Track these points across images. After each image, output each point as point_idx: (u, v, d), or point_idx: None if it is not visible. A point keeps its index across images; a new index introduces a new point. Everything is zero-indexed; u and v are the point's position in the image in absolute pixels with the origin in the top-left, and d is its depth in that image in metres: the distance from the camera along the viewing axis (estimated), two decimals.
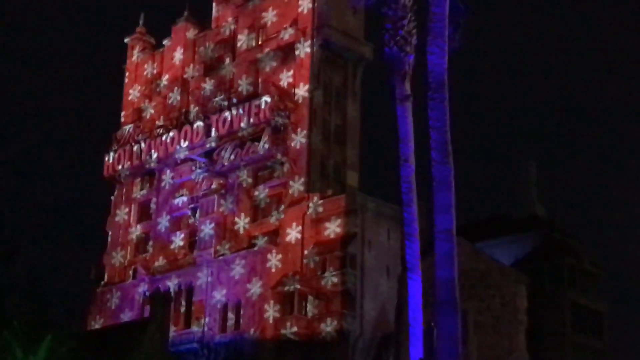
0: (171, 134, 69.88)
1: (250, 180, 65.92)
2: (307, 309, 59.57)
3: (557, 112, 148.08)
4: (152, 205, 71.53)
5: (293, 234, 61.76)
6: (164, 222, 69.71)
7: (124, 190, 73.80)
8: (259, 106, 64.85)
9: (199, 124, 68.32)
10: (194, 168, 69.00)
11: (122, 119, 76.28)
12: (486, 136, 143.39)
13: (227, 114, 66.76)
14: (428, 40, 20.85)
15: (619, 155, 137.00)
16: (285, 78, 66.20)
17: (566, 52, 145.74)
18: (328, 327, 58.21)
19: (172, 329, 62.40)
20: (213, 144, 67.25)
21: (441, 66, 20.53)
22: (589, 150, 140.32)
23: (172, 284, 65.97)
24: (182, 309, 64.94)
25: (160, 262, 68.33)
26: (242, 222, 65.19)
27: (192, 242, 67.38)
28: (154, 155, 70.71)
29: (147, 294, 67.13)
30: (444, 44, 20.73)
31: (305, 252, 60.89)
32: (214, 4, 73.66)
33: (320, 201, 61.88)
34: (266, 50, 67.62)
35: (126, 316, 67.25)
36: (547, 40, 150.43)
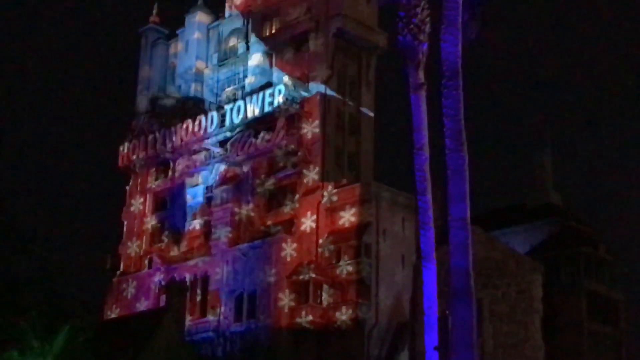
0: (186, 123, 69.93)
1: (264, 169, 65.94)
2: (322, 298, 59.63)
3: (573, 100, 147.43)
4: (167, 195, 71.67)
5: (308, 223, 61.78)
6: (179, 211, 69.82)
7: (139, 180, 73.95)
8: (272, 95, 64.82)
9: (213, 113, 68.37)
10: (208, 158, 69.07)
11: (137, 109, 76.38)
12: (502, 125, 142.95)
13: (241, 103, 66.76)
14: (442, 29, 20.73)
15: (635, 143, 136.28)
16: (299, 67, 66.12)
17: (582, 39, 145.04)
18: (343, 316, 58.24)
19: (188, 318, 62.62)
20: (227, 134, 67.31)
21: (455, 54, 20.41)
22: (605, 138, 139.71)
23: (187, 273, 66.14)
24: (198, 299, 65.10)
25: (176, 251, 68.47)
26: (256, 212, 65.24)
27: (207, 231, 67.46)
28: (169, 145, 70.79)
29: (163, 283, 67.36)
30: (458, 32, 20.61)
31: (320, 241, 60.91)
32: None
33: (335, 190, 61.85)
34: (280, 39, 67.54)
35: (142, 306, 67.48)
36: (563, 27, 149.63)
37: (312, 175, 62.92)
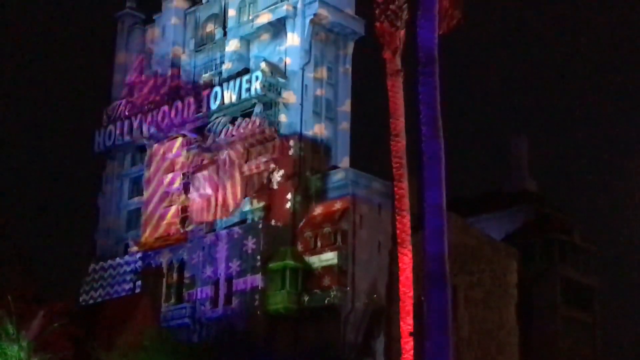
0: (162, 109, 69.68)
1: (241, 155, 65.87)
2: (299, 283, 59.70)
3: (549, 87, 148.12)
4: (144, 181, 71.44)
5: (284, 209, 61.79)
6: (155, 198, 69.62)
7: (115, 165, 73.68)
8: (250, 81, 64.70)
9: (190, 99, 68.15)
10: (185, 143, 68.88)
11: (113, 95, 76.00)
12: (478, 111, 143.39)
13: (218, 89, 66.60)
14: (418, 15, 20.77)
15: (610, 129, 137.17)
16: (276, 53, 66.00)
17: (559, 26, 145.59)
18: (319, 302, 58.36)
19: (164, 304, 62.53)
20: (204, 120, 67.14)
21: (431, 41, 20.45)
22: (580, 125, 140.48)
23: (163, 259, 66.02)
24: (174, 285, 65.01)
25: (152, 237, 68.32)
26: (233, 198, 65.17)
27: (184, 217, 67.37)
28: (145, 131, 70.54)
29: (139, 269, 67.20)
30: (435, 19, 20.66)
31: (297, 227, 60.94)
32: None
33: (312, 177, 61.89)
34: (257, 25, 67.36)
35: (118, 292, 67.32)
36: (539, 14, 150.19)
37: (289, 161, 62.92)
